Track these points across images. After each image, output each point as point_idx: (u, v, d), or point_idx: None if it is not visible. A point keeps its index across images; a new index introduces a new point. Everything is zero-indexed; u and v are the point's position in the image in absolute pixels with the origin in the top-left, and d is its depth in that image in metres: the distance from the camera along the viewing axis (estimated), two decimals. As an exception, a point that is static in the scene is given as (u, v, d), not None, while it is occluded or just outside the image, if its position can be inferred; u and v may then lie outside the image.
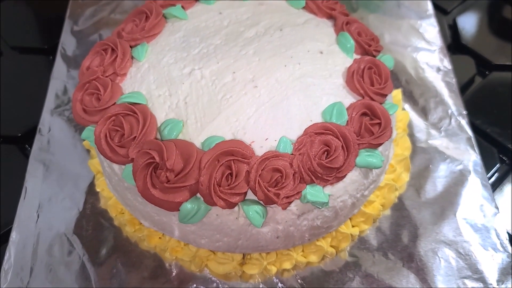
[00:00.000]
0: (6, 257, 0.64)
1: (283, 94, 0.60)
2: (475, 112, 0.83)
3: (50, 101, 0.82)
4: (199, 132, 0.57)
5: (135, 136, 0.55)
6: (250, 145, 0.56)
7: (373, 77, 0.64)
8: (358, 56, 0.67)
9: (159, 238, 0.64)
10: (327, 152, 0.56)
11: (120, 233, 0.67)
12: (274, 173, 0.54)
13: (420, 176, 0.72)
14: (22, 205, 0.70)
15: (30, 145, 0.77)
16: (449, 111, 0.80)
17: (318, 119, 0.59)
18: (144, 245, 0.65)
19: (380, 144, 0.59)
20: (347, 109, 0.60)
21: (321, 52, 0.66)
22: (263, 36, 0.66)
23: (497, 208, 0.68)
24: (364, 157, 0.58)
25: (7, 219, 0.70)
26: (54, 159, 0.74)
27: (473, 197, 0.70)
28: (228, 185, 0.53)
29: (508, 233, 0.67)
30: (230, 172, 0.54)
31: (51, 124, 0.79)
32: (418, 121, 0.80)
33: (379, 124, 0.59)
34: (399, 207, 0.69)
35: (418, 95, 0.83)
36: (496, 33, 0.97)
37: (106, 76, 0.62)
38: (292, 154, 0.56)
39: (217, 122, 0.58)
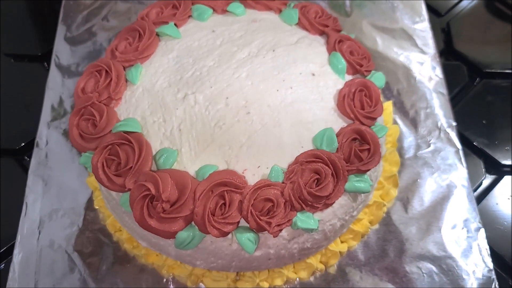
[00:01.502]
0: (10, 274, 0.67)
1: (275, 121, 0.62)
2: (464, 122, 0.84)
3: (46, 113, 0.83)
4: (193, 160, 0.59)
5: (131, 166, 0.57)
6: (243, 173, 0.58)
7: (364, 100, 0.65)
8: (350, 76, 0.69)
9: (156, 255, 0.67)
10: (317, 180, 0.58)
11: (119, 249, 0.70)
12: (266, 203, 0.56)
13: (407, 190, 0.75)
14: (23, 221, 0.72)
15: (29, 156, 0.79)
16: (439, 123, 0.82)
17: (309, 145, 0.61)
18: (142, 260, 0.68)
19: (368, 170, 0.61)
20: (338, 134, 0.62)
21: (313, 74, 0.66)
22: (255, 57, 0.67)
23: (480, 223, 0.72)
24: (353, 182, 0.60)
25: (8, 232, 0.72)
26: (53, 174, 0.76)
27: (458, 212, 0.73)
28: (222, 215, 0.56)
29: (489, 248, 0.70)
30: (224, 202, 0.56)
31: (48, 137, 0.80)
32: (407, 133, 0.81)
33: (368, 149, 0.61)
34: (386, 221, 0.72)
35: (409, 106, 0.84)
36: (489, 37, 0.97)
37: (101, 101, 0.63)
38: (284, 182, 0.58)
39: (211, 150, 0.59)
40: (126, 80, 0.66)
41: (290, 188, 0.57)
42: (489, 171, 0.81)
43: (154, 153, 0.59)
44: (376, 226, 0.72)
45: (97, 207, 0.72)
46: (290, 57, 0.67)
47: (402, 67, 0.89)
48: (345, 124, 0.64)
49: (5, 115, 0.85)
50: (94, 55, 0.90)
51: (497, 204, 0.77)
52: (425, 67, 0.89)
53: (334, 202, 0.59)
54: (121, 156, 0.58)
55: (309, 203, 0.57)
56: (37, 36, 0.96)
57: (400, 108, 0.84)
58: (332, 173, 0.58)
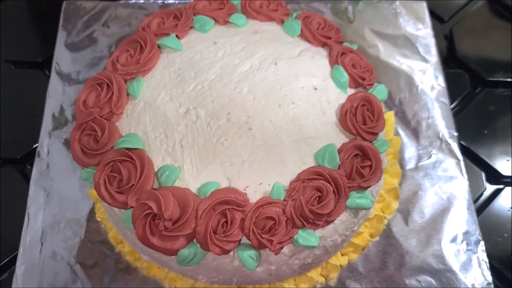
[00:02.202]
0: (13, 286, 0.67)
1: (277, 137, 0.62)
2: (466, 132, 0.84)
3: (47, 122, 0.82)
4: (195, 177, 0.59)
5: (133, 184, 0.57)
6: (244, 190, 0.59)
7: (366, 115, 0.65)
8: (352, 90, 0.68)
9: (158, 268, 0.67)
10: (318, 197, 0.58)
11: (121, 261, 0.70)
12: (267, 221, 0.56)
13: (408, 202, 0.75)
14: (25, 232, 0.72)
15: (31, 164, 0.79)
16: (440, 134, 0.82)
17: (311, 161, 0.61)
18: (144, 273, 0.69)
19: (370, 186, 0.61)
20: (340, 151, 0.61)
21: (315, 88, 0.66)
22: (257, 70, 0.67)
23: (480, 235, 0.72)
24: (354, 199, 0.60)
25: (11, 243, 0.73)
26: (54, 184, 0.76)
27: (458, 224, 0.73)
28: (224, 233, 0.56)
29: (489, 261, 0.70)
30: (226, 220, 0.56)
31: (49, 147, 0.80)
32: (409, 144, 0.81)
33: (370, 166, 0.61)
34: (387, 234, 0.73)
35: (410, 116, 0.84)
36: (493, 44, 0.96)
37: (103, 116, 0.63)
38: (285, 200, 0.58)
39: (213, 167, 0.59)
40: (128, 94, 0.66)
41: (292, 205, 0.57)
42: (489, 181, 0.81)
43: (156, 169, 0.59)
44: (377, 239, 0.72)
45: (99, 219, 0.72)
46: (292, 71, 0.67)
47: (405, 75, 0.89)
48: (347, 140, 0.64)
49: (6, 123, 0.85)
50: (95, 62, 0.90)
51: (497, 216, 0.77)
52: (427, 76, 0.89)
53: (335, 219, 0.59)
54: (123, 173, 0.58)
55: (311, 220, 0.57)
56: (37, 42, 0.96)
57: (402, 118, 0.84)
58: (333, 190, 0.59)
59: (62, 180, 0.77)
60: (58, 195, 0.75)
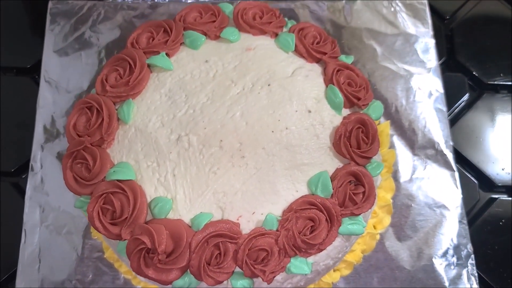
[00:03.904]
0: (14, 304, 0.70)
1: (270, 165, 0.61)
2: (462, 139, 0.84)
3: (38, 134, 0.82)
4: (188, 208, 0.59)
5: (127, 217, 0.57)
6: (237, 219, 0.59)
7: (360, 137, 0.64)
8: (347, 111, 0.67)
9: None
10: (311, 227, 0.59)
11: (118, 277, 0.72)
12: (260, 252, 0.57)
13: (401, 216, 0.76)
14: (23, 248, 0.73)
15: (25, 175, 0.79)
16: (436, 145, 0.81)
17: (303, 188, 0.61)
18: (141, 289, 0.71)
19: (362, 213, 0.61)
20: (333, 178, 0.61)
21: (309, 111, 0.65)
22: (250, 93, 0.65)
23: (471, 249, 0.73)
24: (347, 225, 0.61)
25: (9, 258, 0.74)
26: (49, 199, 0.77)
27: (449, 238, 0.74)
28: (217, 264, 0.57)
29: (478, 275, 0.72)
30: (219, 252, 0.57)
31: (42, 161, 0.80)
32: (404, 154, 0.81)
33: (363, 192, 0.61)
34: (379, 248, 0.74)
35: (406, 125, 0.83)
36: (493, 44, 0.94)
37: (93, 143, 0.62)
38: (278, 230, 0.58)
39: (206, 197, 0.59)
40: (118, 119, 0.64)
41: (285, 236, 0.58)
42: (483, 190, 0.82)
43: (149, 200, 0.60)
44: (369, 253, 0.73)
45: (95, 237, 0.73)
46: (286, 93, 0.65)
47: (402, 81, 0.87)
48: (341, 164, 0.63)
49: (-1, 135, 0.84)
50: (85, 69, 0.87)
51: (489, 227, 0.78)
52: (425, 81, 0.87)
53: (327, 247, 0.60)
54: (115, 205, 0.58)
55: (303, 250, 0.58)
56: (24, 46, 0.92)
57: (398, 127, 0.83)
58: (326, 219, 0.59)
59: (57, 195, 0.77)
60: (53, 210, 0.76)
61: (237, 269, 0.58)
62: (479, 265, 0.73)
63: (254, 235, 0.57)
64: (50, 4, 0.92)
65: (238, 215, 0.59)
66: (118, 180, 0.59)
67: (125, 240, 0.58)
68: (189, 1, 0.94)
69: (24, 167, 0.81)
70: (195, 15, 0.72)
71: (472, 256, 0.73)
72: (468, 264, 0.72)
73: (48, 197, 0.77)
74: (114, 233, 0.58)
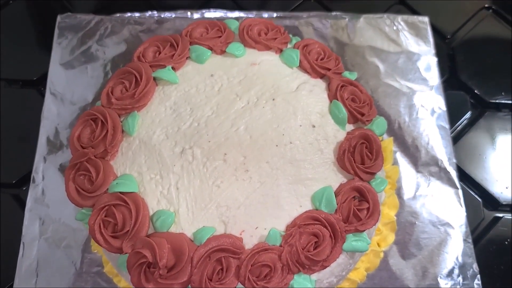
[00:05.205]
0: (10, 320, 0.68)
1: (274, 179, 0.61)
2: (465, 157, 0.84)
3: (42, 146, 0.81)
4: (191, 222, 0.58)
5: (128, 230, 0.57)
6: (240, 234, 0.58)
7: (364, 153, 0.64)
8: (351, 126, 0.67)
9: (155, 302, 0.67)
10: (315, 243, 0.58)
11: (117, 292, 0.71)
12: (263, 268, 0.56)
13: (405, 233, 0.75)
14: (21, 261, 0.72)
15: (26, 187, 0.79)
16: (439, 162, 0.81)
17: (307, 203, 0.61)
18: (140, 305, 0.69)
19: (367, 229, 0.61)
20: (337, 193, 0.61)
21: (314, 126, 0.65)
22: (255, 107, 0.65)
23: (477, 269, 0.72)
24: (351, 242, 0.60)
25: (6, 271, 0.73)
26: (50, 212, 0.76)
27: (455, 257, 0.73)
28: (219, 280, 0.56)
29: (482, 295, 0.71)
30: (221, 268, 0.56)
31: (44, 173, 0.79)
32: (407, 171, 0.81)
33: (368, 208, 0.61)
34: (383, 266, 0.73)
35: (410, 142, 0.83)
36: (494, 63, 0.95)
37: (97, 155, 0.62)
38: (281, 246, 0.58)
39: (209, 211, 0.59)
40: (123, 131, 0.64)
41: (288, 251, 0.57)
42: (487, 207, 0.81)
43: (151, 212, 0.59)
44: (373, 272, 0.72)
45: (95, 251, 0.72)
46: (290, 107, 0.65)
47: (405, 98, 0.88)
48: (345, 180, 0.63)
49: (1, 146, 0.84)
50: (90, 83, 0.88)
51: (495, 246, 0.77)
52: (428, 99, 0.87)
53: (331, 264, 0.59)
54: (117, 218, 0.57)
55: (307, 266, 0.57)
56: (31, 58, 0.93)
57: (401, 144, 0.83)
58: (330, 235, 0.58)
59: (57, 208, 0.76)
60: (53, 223, 0.75)
61: (239, 285, 0.57)
62: (485, 285, 0.72)
63: (257, 251, 0.56)
64: (58, 18, 0.94)
65: (241, 229, 0.58)
66: (120, 193, 0.59)
67: (126, 253, 0.57)
68: (195, 17, 0.95)
69: (25, 179, 0.81)
70: (201, 31, 0.73)
71: (478, 276, 0.72)
72: (475, 285, 0.71)
73: (49, 209, 0.76)
74: (115, 246, 0.57)
